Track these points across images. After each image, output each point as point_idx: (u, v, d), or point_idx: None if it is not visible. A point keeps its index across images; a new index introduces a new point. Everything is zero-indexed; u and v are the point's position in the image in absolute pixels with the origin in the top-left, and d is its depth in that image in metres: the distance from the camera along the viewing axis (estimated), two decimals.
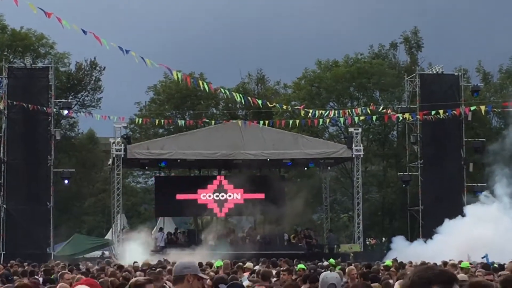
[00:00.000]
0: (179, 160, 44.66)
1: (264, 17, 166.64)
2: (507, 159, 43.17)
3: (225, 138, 43.07)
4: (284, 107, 47.98)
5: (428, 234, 42.52)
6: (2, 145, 43.77)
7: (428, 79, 48.35)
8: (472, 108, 43.63)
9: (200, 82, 40.95)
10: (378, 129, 58.84)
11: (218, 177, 47.22)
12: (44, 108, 43.06)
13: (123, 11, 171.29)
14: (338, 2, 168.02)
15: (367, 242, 57.89)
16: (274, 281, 15.41)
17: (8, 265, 28.81)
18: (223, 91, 43.61)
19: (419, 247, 39.64)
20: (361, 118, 45.21)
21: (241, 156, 43.48)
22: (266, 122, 44.77)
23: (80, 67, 58.61)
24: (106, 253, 44.98)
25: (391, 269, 19.64)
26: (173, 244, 44.19)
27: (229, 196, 45.20)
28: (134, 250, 38.35)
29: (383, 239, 60.98)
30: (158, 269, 18.51)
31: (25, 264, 29.29)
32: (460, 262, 23.95)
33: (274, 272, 18.19)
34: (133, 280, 9.59)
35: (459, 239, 36.32)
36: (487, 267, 21.15)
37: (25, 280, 15.39)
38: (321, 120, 45.19)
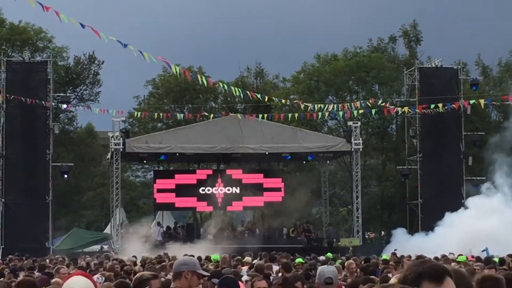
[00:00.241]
0: (177, 154, 44.61)
1: (263, 11, 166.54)
2: (508, 150, 43.14)
3: (224, 132, 43.04)
4: (283, 101, 47.92)
5: (427, 227, 42.53)
6: (0, 139, 43.72)
7: (427, 73, 48.31)
8: (471, 101, 43.60)
9: (199, 76, 40.89)
10: (377, 123, 58.80)
11: (217, 171, 47.17)
12: (43, 102, 43.03)
13: (122, 5, 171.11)
14: None
15: (366, 236, 57.86)
16: (273, 277, 15.33)
17: (7, 259, 28.80)
18: (222, 85, 43.54)
19: (420, 240, 39.56)
20: (360, 111, 45.19)
21: (240, 150, 43.45)
22: (265, 115, 44.73)
23: (79, 61, 58.52)
24: (105, 247, 44.96)
25: (390, 263, 19.61)
26: (173, 238, 44.17)
27: (228, 190, 45.15)
28: (133, 244, 38.38)
29: (382, 232, 61.00)
30: (162, 264, 18.50)
31: (23, 258, 29.27)
32: (459, 255, 23.97)
33: (274, 267, 18.16)
34: (138, 275, 9.54)
35: (461, 232, 36.23)
36: (488, 261, 21.09)
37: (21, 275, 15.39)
38: (320, 113, 45.14)
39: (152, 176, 52.16)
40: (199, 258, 24.71)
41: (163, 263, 19.42)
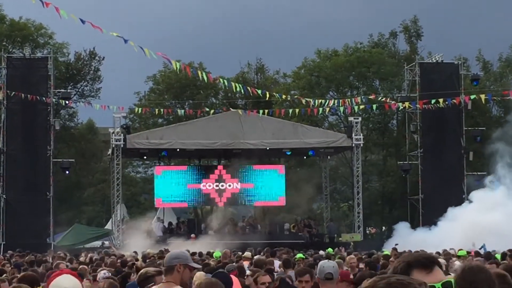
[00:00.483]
0: (178, 150, 44.61)
1: (263, 6, 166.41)
2: (510, 143, 43.04)
3: (225, 127, 43.05)
4: (284, 96, 47.90)
5: (428, 223, 42.54)
6: (1, 135, 43.72)
7: (427, 68, 48.30)
8: (472, 96, 43.55)
9: (199, 72, 40.86)
10: (378, 118, 58.80)
11: (218, 167, 47.18)
12: (43, 98, 43.03)
13: (122, 0, 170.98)
14: None
15: (367, 231, 57.91)
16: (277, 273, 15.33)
17: (8, 255, 28.82)
18: (222, 81, 43.53)
19: (423, 235, 39.46)
20: (361, 107, 45.17)
21: (241, 145, 43.46)
22: (266, 111, 44.73)
23: (79, 57, 58.50)
24: (106, 243, 45.01)
25: (390, 259, 19.62)
26: (174, 234, 44.16)
27: (229, 185, 45.16)
28: (134, 240, 38.41)
29: (383, 228, 61.03)
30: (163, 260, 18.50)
31: (24, 254, 29.26)
32: (459, 250, 23.97)
33: (276, 262, 18.15)
34: (143, 271, 9.56)
35: (464, 226, 36.09)
36: (489, 256, 21.08)
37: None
38: (321, 109, 45.12)
39: (153, 172, 52.15)
40: (200, 254, 24.77)
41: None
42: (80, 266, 16.67)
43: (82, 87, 58.82)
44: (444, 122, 46.39)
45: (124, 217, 46.62)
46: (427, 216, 44.43)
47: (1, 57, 45.02)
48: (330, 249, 30.16)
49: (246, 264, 18.38)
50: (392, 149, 58.61)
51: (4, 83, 43.94)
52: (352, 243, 40.62)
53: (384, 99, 47.56)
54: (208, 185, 45.23)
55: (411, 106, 46.26)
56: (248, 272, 13.48)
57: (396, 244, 35.46)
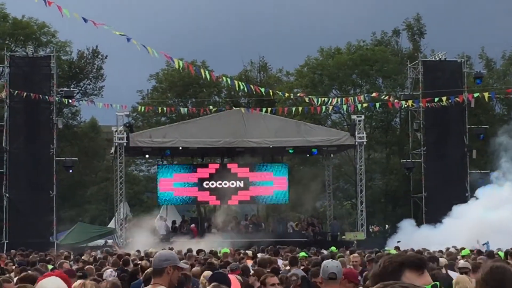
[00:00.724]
0: (181, 148, 44.62)
1: (266, 5, 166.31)
2: None
3: (228, 126, 43.04)
4: (287, 94, 47.86)
5: (431, 221, 42.44)
6: (4, 134, 43.74)
7: (431, 66, 48.27)
8: (475, 94, 43.48)
9: (202, 70, 40.84)
10: (381, 116, 58.76)
11: (220, 165, 47.18)
12: (46, 97, 43.02)
13: (124, 2, 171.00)
14: None
15: (370, 230, 57.87)
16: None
17: (12, 254, 28.79)
18: (225, 79, 43.51)
19: (428, 232, 39.24)
20: (364, 105, 45.12)
21: (244, 144, 43.44)
22: (269, 109, 44.70)
23: (82, 55, 58.52)
24: (109, 241, 45.01)
25: None
26: (178, 232, 44.13)
27: (232, 184, 45.14)
28: (137, 238, 38.41)
29: (386, 226, 61.00)
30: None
31: (27, 252, 29.26)
32: (461, 249, 23.91)
33: (279, 261, 18.14)
34: (149, 270, 9.55)
35: (470, 224, 35.80)
36: (491, 254, 21.05)
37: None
38: (324, 107, 45.09)
39: (155, 170, 52.17)
40: (198, 251, 24.77)
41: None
42: (87, 266, 16.67)
43: (85, 86, 58.90)
44: (447, 120, 46.35)
45: (127, 215, 46.62)
46: (431, 214, 44.37)
47: (4, 55, 45.04)
48: (333, 248, 30.13)
49: (249, 263, 18.38)
50: (395, 147, 58.58)
51: (7, 82, 44.00)
52: (355, 242, 40.56)
53: (387, 97, 47.50)
54: (211, 183, 45.21)
55: (414, 104, 46.21)
56: (251, 271, 13.46)
57: (398, 242, 35.38)
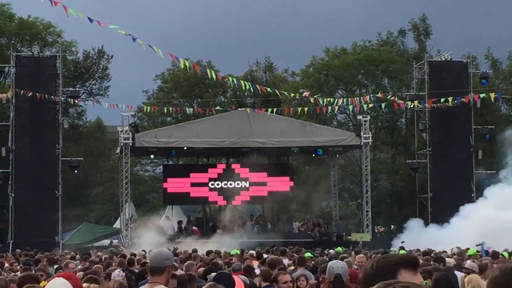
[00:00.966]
0: (186, 148, 44.62)
1: (272, 5, 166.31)
2: None
3: (233, 126, 43.02)
4: (292, 95, 47.84)
5: (437, 221, 42.33)
6: (10, 134, 43.77)
7: (436, 66, 48.22)
8: (481, 95, 43.42)
9: (208, 70, 40.84)
10: (386, 117, 58.71)
11: (226, 165, 47.17)
12: (52, 97, 43.07)
13: (128, 2, 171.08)
14: None
15: (376, 230, 57.81)
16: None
17: (16, 254, 28.80)
18: (231, 79, 43.50)
19: (435, 232, 39.03)
20: (370, 105, 45.08)
21: (249, 144, 43.41)
22: (274, 110, 44.68)
23: (88, 55, 58.56)
24: (115, 241, 45.03)
25: None
26: (184, 233, 44.09)
27: (237, 184, 45.11)
28: (142, 238, 38.40)
29: (392, 226, 60.92)
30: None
31: (31, 253, 29.28)
32: (467, 249, 23.84)
33: (284, 261, 18.11)
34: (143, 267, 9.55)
35: (477, 223, 35.52)
36: (496, 255, 21.00)
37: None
38: (329, 107, 45.06)
39: (161, 170, 52.20)
40: (208, 252, 24.78)
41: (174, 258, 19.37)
42: (95, 266, 16.66)
43: (90, 86, 58.92)
44: (453, 121, 46.29)
45: (132, 215, 46.62)
46: (436, 215, 44.30)
47: (10, 55, 45.10)
48: (339, 248, 30.10)
49: (256, 263, 18.34)
50: (401, 147, 58.52)
51: (12, 82, 44.06)
52: (360, 242, 40.50)
53: (393, 97, 47.45)
54: (216, 183, 45.19)
55: (420, 104, 46.16)
56: (257, 271, 13.43)
57: (403, 242, 35.27)
